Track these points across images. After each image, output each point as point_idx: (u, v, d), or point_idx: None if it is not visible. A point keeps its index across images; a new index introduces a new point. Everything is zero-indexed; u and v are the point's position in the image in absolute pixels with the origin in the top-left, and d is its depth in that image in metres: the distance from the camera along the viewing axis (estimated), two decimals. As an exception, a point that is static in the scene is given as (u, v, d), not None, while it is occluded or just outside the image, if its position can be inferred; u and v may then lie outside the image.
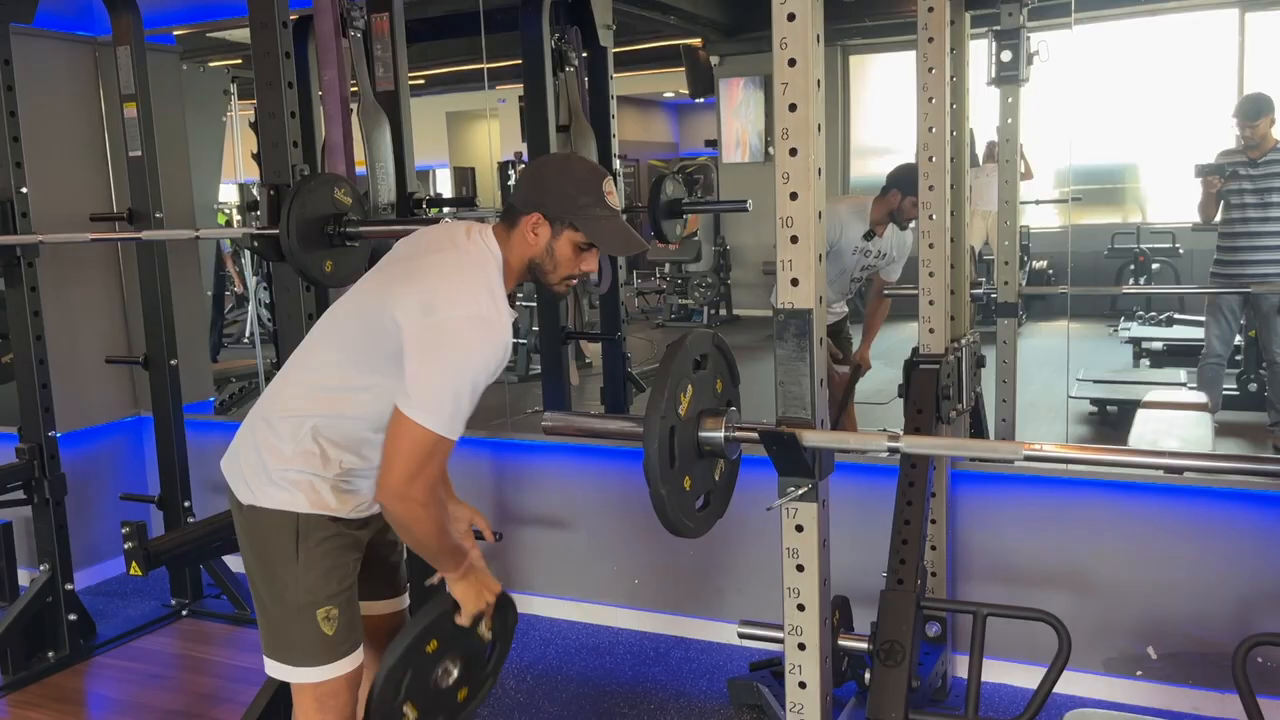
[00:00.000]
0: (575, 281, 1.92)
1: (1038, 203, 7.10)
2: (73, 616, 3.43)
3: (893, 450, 1.87)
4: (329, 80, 2.79)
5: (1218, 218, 4.53)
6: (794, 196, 1.85)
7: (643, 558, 3.44)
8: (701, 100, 9.72)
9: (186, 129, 4.31)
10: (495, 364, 1.79)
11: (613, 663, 3.22)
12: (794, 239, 1.86)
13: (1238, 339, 4.83)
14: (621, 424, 2.03)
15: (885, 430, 1.92)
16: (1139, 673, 2.85)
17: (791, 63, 1.81)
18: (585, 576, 3.54)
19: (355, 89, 2.93)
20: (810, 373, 1.89)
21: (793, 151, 1.83)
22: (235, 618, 3.70)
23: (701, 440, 1.91)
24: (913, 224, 4.06)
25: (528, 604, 3.61)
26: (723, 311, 8.35)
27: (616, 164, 3.83)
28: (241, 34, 4.37)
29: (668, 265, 8.51)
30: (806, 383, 1.90)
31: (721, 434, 1.90)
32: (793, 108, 1.82)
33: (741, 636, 2.51)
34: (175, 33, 4.34)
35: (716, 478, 2.02)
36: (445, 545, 1.91)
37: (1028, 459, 1.83)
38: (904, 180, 4.05)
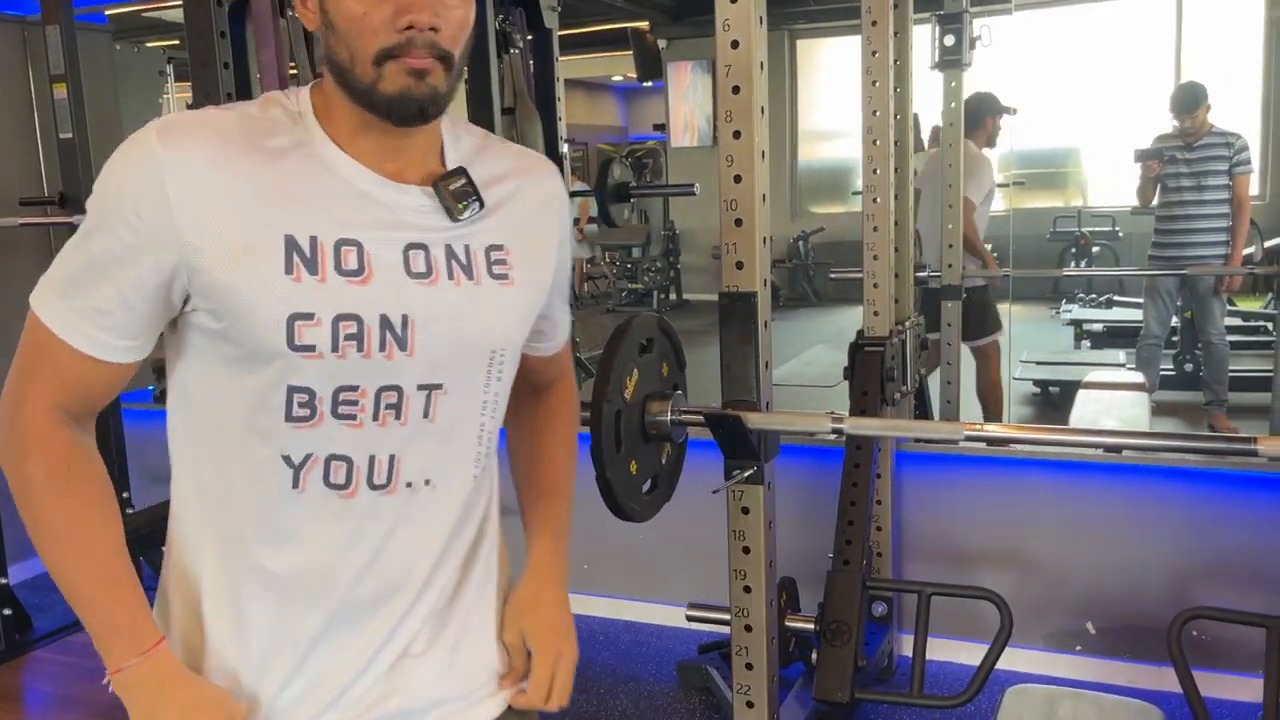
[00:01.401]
0: (404, 66, 0.96)
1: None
2: (8, 611, 3.35)
3: (837, 432, 1.88)
4: (266, 61, 2.73)
5: (1155, 201, 4.61)
6: (738, 179, 1.85)
7: (591, 542, 3.41)
8: (650, 84, 9.69)
9: (120, 111, 4.20)
10: (121, 201, 0.95)
11: (562, 648, 3.22)
12: (738, 222, 1.86)
13: (1174, 320, 4.93)
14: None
15: (831, 413, 1.93)
16: (1078, 648, 2.91)
17: (734, 45, 1.81)
18: (534, 562, 3.53)
19: (295, 70, 2.87)
20: (755, 356, 1.90)
21: (736, 134, 1.83)
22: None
23: (648, 424, 1.91)
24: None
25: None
26: (672, 296, 8.36)
27: (564, 148, 3.80)
28: (177, 13, 4.27)
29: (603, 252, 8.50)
30: (751, 365, 1.91)
31: (668, 417, 1.90)
32: (736, 90, 1.82)
33: (690, 619, 2.54)
34: (107, 12, 4.23)
35: (663, 461, 2.02)
36: (83, 570, 1.03)
37: (969, 439, 1.86)
38: (987, 104, 4.23)
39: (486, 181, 1.06)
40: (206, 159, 0.94)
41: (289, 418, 0.98)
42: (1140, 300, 5.16)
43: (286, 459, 1.00)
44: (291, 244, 0.95)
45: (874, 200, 2.72)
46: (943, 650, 2.98)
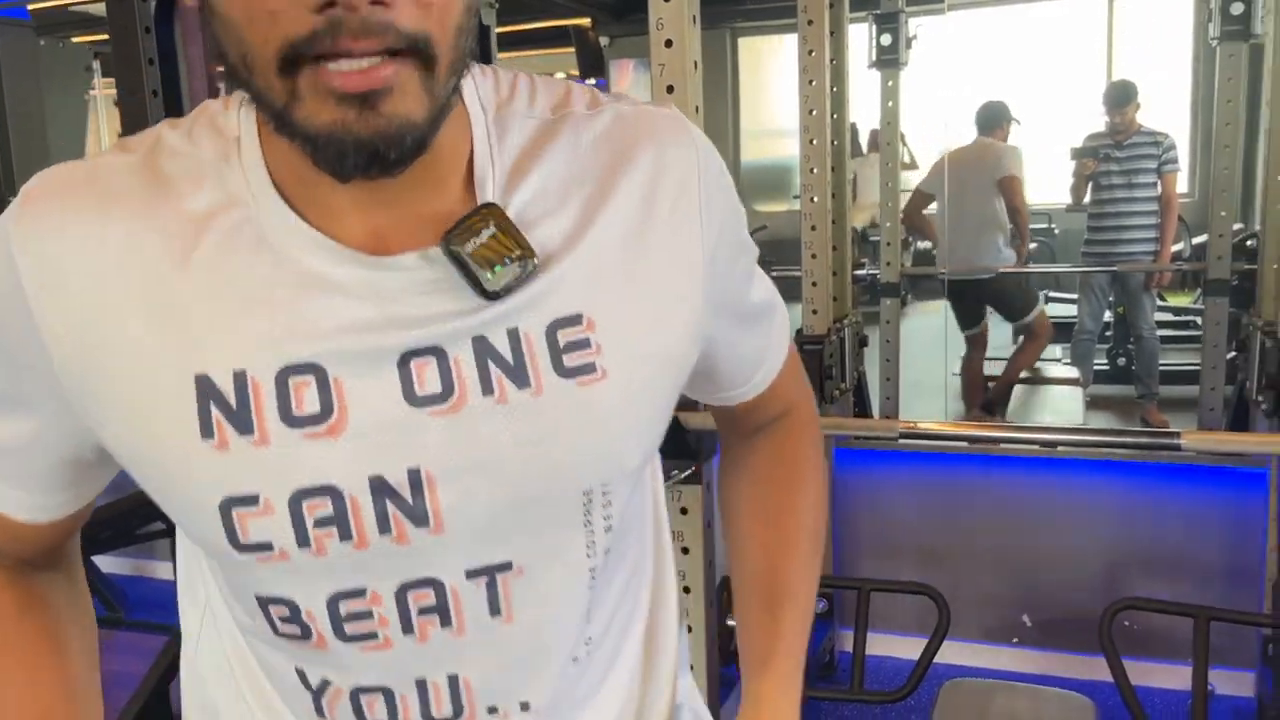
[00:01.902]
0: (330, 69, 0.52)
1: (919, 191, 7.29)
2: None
3: (773, 431, 1.88)
4: (193, 58, 2.67)
5: (1087, 199, 4.70)
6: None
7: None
8: (592, 82, 9.65)
9: (44, 108, 4.09)
10: None
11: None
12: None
13: (1108, 315, 5.02)
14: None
15: (767, 412, 1.93)
16: (1016, 640, 2.95)
17: (668, 44, 1.80)
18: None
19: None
20: (692, 355, 1.90)
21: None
22: (108, 620, 3.54)
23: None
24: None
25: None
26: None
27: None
28: (101, 8, 4.17)
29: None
30: (688, 365, 1.90)
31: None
32: (670, 89, 1.81)
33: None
34: (30, 7, 4.11)
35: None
36: None
37: (904, 436, 1.87)
38: (1001, 111, 4.60)
39: (550, 202, 0.63)
40: (80, 250, 0.59)
41: (277, 633, 0.65)
42: (1074, 296, 5.26)
43: (300, 674, 0.67)
44: (206, 389, 0.58)
45: (811, 199, 2.72)
46: (883, 645, 3.00)
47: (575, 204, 0.63)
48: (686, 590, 1.98)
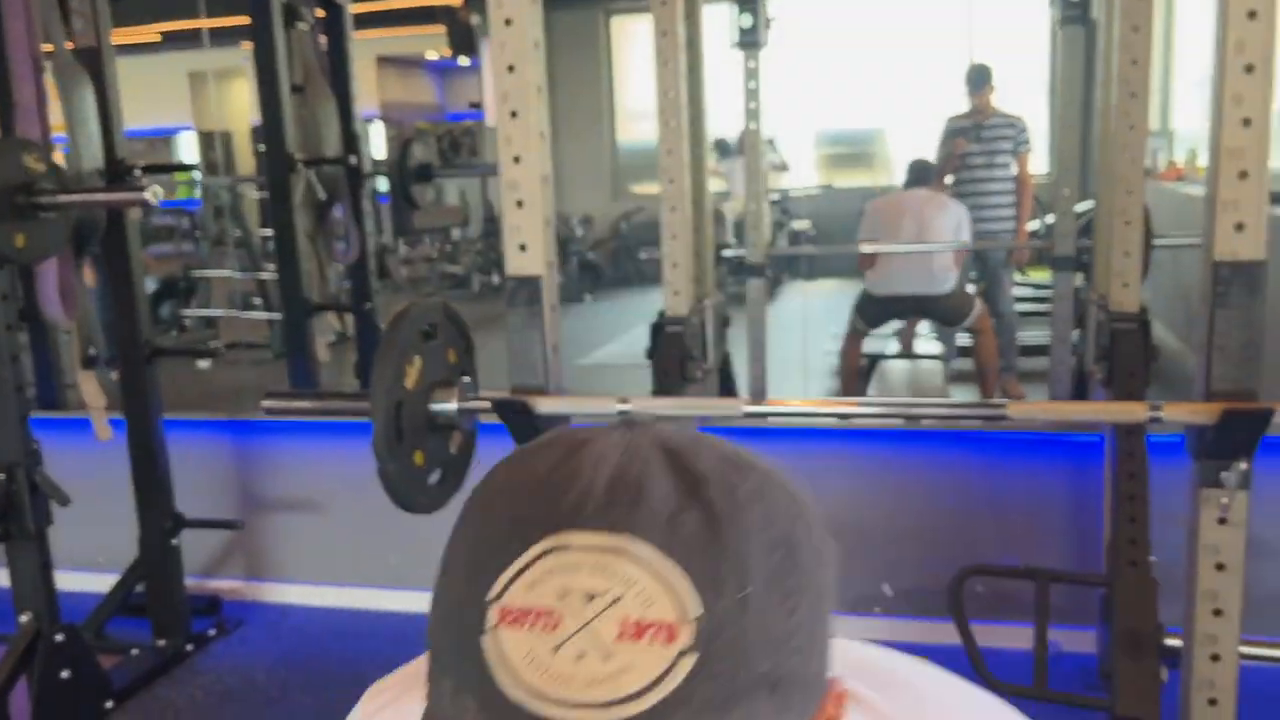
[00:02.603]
0: None
1: (795, 190, 7.42)
2: None
3: (623, 413, 1.87)
4: (15, 35, 2.51)
5: (949, 180, 4.85)
6: (517, 160, 1.81)
7: (403, 536, 3.33)
8: (466, 62, 9.51)
9: None
10: None
11: (375, 646, 3.12)
12: (519, 203, 1.82)
13: (970, 290, 5.19)
14: (345, 401, 1.94)
15: (618, 396, 1.92)
16: (877, 609, 3.02)
17: (507, 22, 1.76)
18: (343, 560, 3.41)
19: (51, 49, 2.65)
20: (542, 340, 1.87)
21: (513, 114, 1.79)
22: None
23: (433, 413, 1.85)
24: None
25: (281, 593, 3.45)
26: (494, 278, 8.26)
27: (360, 127, 3.68)
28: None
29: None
30: (539, 350, 1.88)
31: (454, 405, 1.85)
32: (511, 69, 1.78)
33: (497, 607, 2.51)
34: None
35: (453, 451, 1.96)
36: None
37: (747, 415, 1.89)
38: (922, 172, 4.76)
39: None
40: None
41: None
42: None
43: None
44: None
45: (670, 182, 2.72)
46: (751, 621, 3.03)
47: None
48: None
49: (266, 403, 1.97)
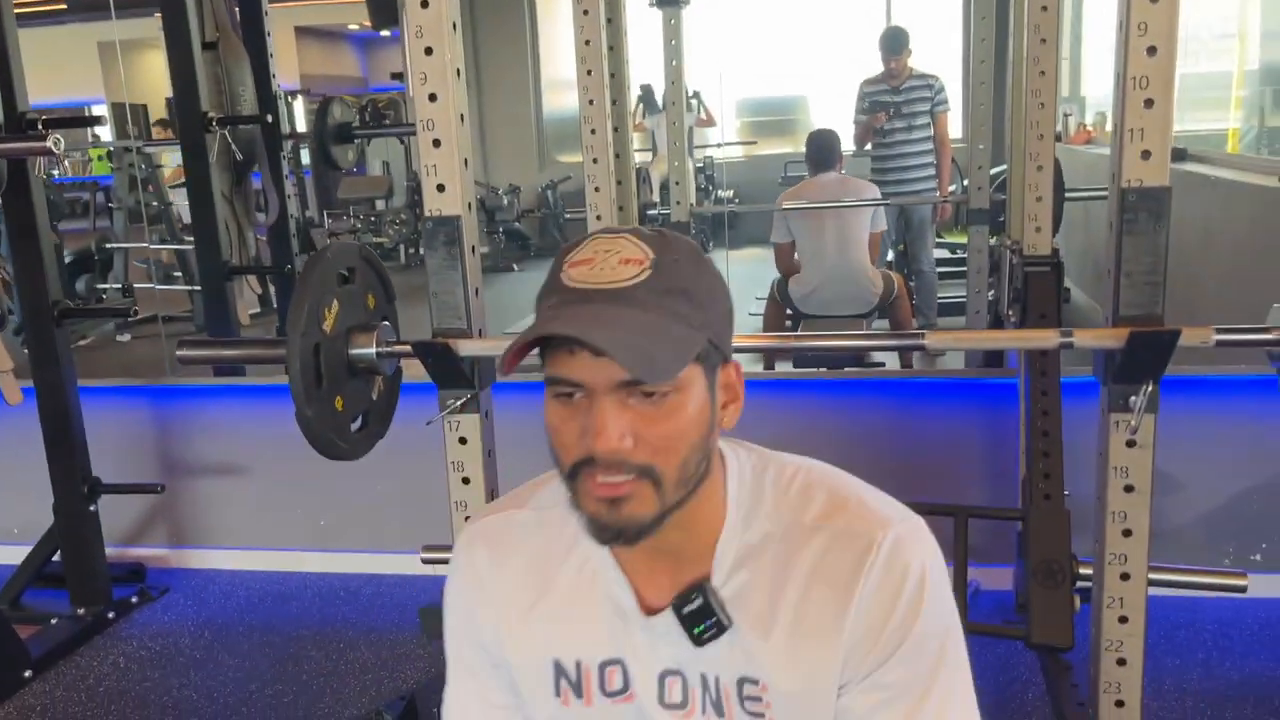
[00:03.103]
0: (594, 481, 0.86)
1: (719, 145, 7.42)
2: None
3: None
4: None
5: (867, 146, 4.92)
6: (433, 97, 1.78)
7: (327, 497, 3.31)
8: (387, 33, 9.32)
9: None
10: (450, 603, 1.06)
11: (299, 608, 3.09)
12: (436, 143, 1.80)
13: (890, 255, 5.27)
14: (260, 349, 1.91)
15: (542, 336, 1.92)
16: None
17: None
18: (266, 523, 3.36)
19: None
20: (464, 281, 1.86)
21: (428, 50, 1.77)
22: None
23: (353, 358, 1.83)
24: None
25: (204, 558, 3.39)
26: (421, 250, 8.15)
27: (277, 85, 3.59)
28: None
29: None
30: (460, 291, 1.86)
31: (373, 350, 1.83)
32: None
33: (425, 561, 2.48)
34: None
35: (375, 397, 1.95)
36: None
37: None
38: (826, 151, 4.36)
39: (758, 594, 0.92)
40: (494, 573, 1.01)
41: None
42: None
43: None
44: (559, 670, 0.99)
45: (591, 132, 2.71)
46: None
47: (776, 601, 0.92)
48: (468, 520, 1.95)
49: (181, 352, 1.93)
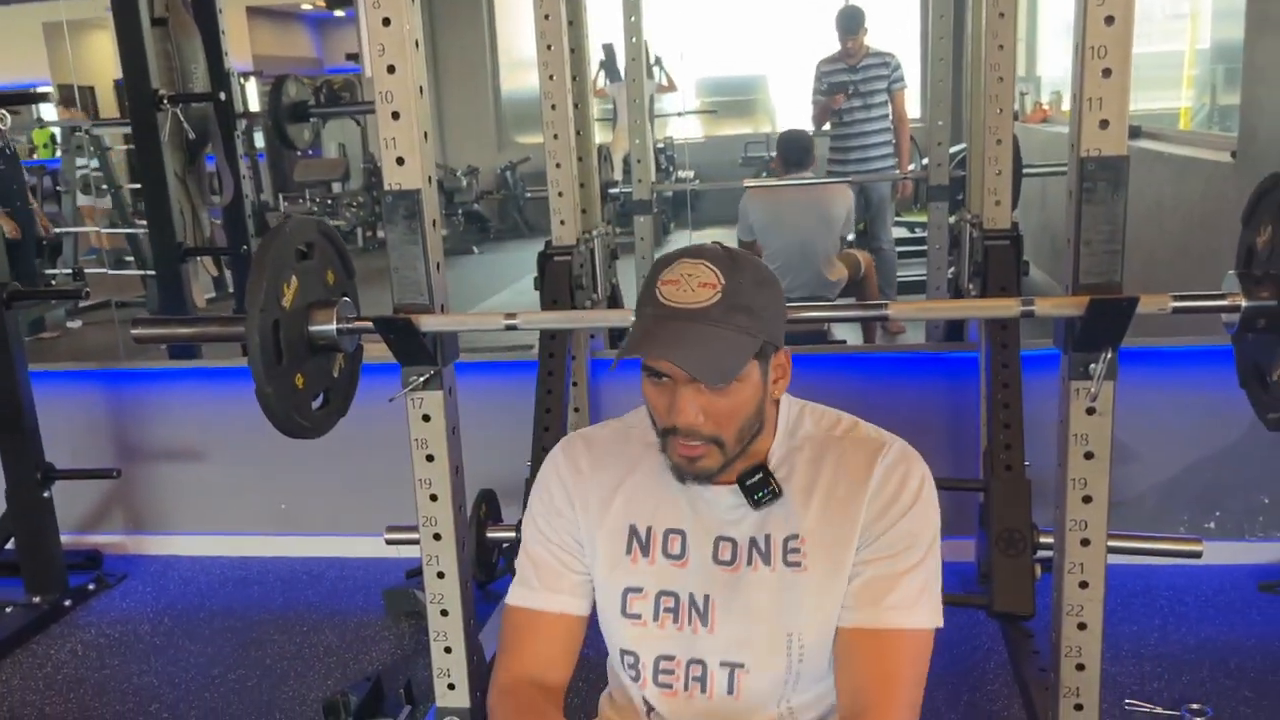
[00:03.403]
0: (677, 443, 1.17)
1: (679, 114, 7.39)
2: None
3: (510, 327, 1.86)
4: None
5: (826, 125, 4.93)
6: (391, 69, 1.76)
7: (287, 481, 3.27)
8: (341, 13, 9.22)
9: None
10: (543, 486, 1.33)
11: (261, 592, 3.06)
12: (395, 115, 1.78)
13: (851, 235, 5.30)
14: (218, 327, 1.88)
15: (504, 312, 1.90)
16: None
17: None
18: (226, 508, 3.32)
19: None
20: (425, 256, 1.84)
21: (385, 21, 1.74)
22: None
23: (312, 334, 1.81)
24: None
25: (163, 544, 3.34)
26: (379, 233, 8.07)
27: (229, 62, 3.53)
28: None
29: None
30: (421, 266, 1.84)
31: (334, 326, 1.81)
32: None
33: (389, 543, 2.47)
34: None
35: (335, 374, 1.92)
36: None
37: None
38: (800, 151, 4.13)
39: (799, 478, 1.22)
40: (584, 464, 1.30)
41: (626, 677, 1.29)
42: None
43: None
44: (633, 532, 1.26)
45: (552, 108, 2.69)
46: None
47: (814, 480, 1.22)
48: (434, 498, 1.94)
49: (136, 330, 1.89)
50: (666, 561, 1.24)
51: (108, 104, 8.98)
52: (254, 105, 8.22)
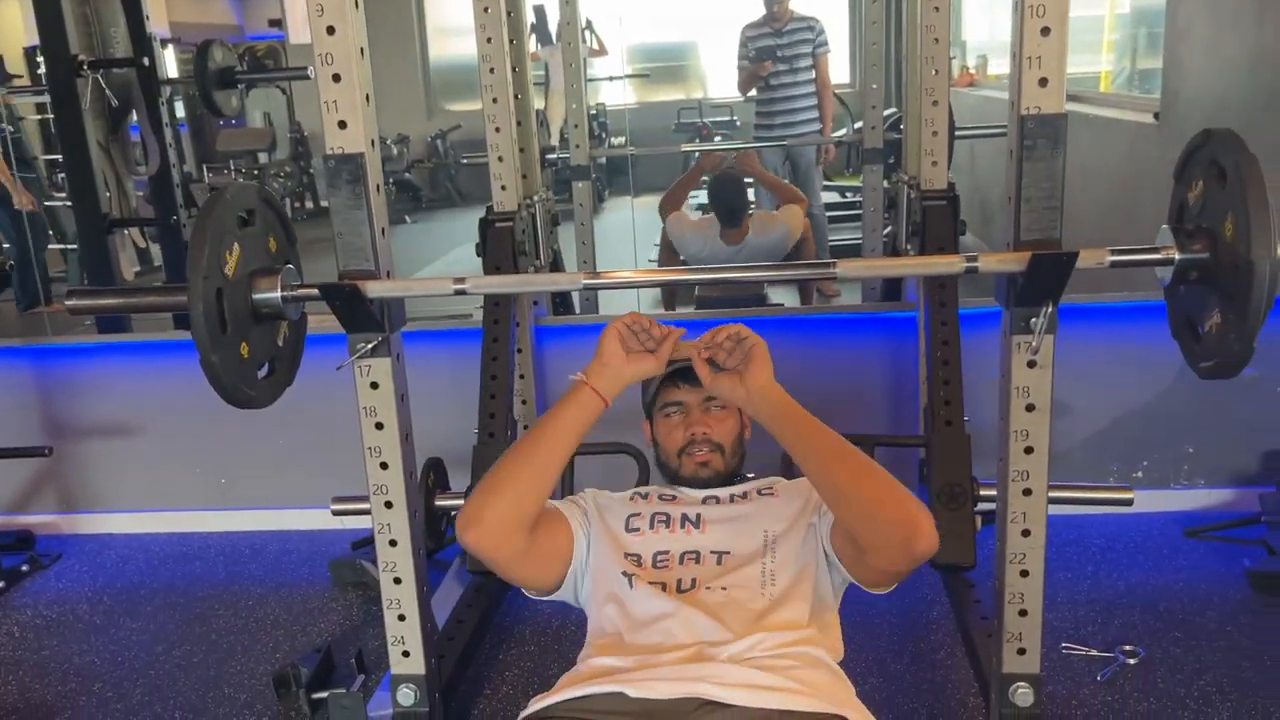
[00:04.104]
0: (694, 455, 1.76)
1: (611, 79, 7.34)
2: None
3: (459, 291, 1.84)
4: None
5: (752, 92, 4.95)
6: (331, 30, 1.72)
7: (227, 455, 3.22)
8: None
9: None
10: None
11: (203, 568, 3.01)
12: (336, 77, 1.74)
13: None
14: (158, 296, 1.83)
15: (453, 276, 1.88)
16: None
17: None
18: (164, 484, 3.25)
19: None
20: (370, 221, 1.81)
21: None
22: None
23: (256, 303, 1.77)
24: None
25: (98, 523, 3.27)
26: (308, 204, 7.91)
27: (150, 26, 3.41)
28: None
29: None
30: (366, 232, 1.81)
31: (278, 294, 1.77)
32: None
33: (335, 514, 2.45)
34: None
35: (280, 343, 1.89)
36: None
37: (586, 288, 1.89)
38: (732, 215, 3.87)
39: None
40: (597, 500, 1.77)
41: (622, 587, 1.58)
42: (751, 180, 5.52)
43: (628, 577, 1.57)
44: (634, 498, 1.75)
45: (490, 71, 2.65)
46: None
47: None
48: (384, 466, 1.93)
49: (71, 302, 1.83)
50: (662, 502, 1.70)
51: (17, 71, 8.62)
52: (173, 74, 7.98)
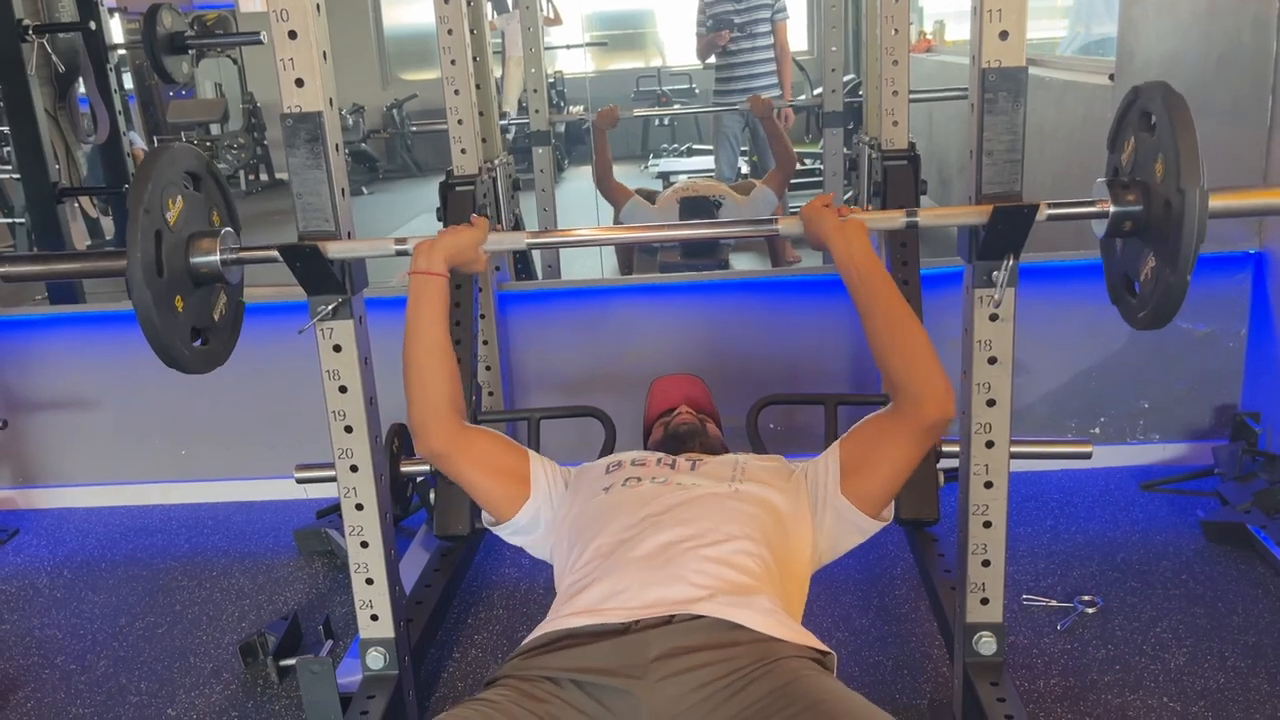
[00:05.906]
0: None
1: (568, 47, 7.29)
2: None
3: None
4: None
5: (711, 59, 4.94)
6: (287, -14, 1.69)
7: (187, 427, 3.17)
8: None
9: None
10: None
11: (165, 540, 2.98)
12: (292, 34, 1.71)
13: (742, 164, 5.34)
14: (96, 261, 1.78)
15: (411, 237, 1.85)
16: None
17: None
18: (123, 457, 3.21)
19: None
20: (329, 181, 1.78)
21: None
22: None
23: (194, 265, 1.70)
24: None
25: (55, 497, 3.22)
26: (263, 176, 7.79)
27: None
28: None
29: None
30: (326, 191, 1.79)
31: (216, 256, 1.71)
32: None
33: (300, 481, 2.42)
34: None
35: (216, 318, 1.82)
36: None
37: (530, 247, 1.90)
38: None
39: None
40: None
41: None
42: (711, 146, 5.52)
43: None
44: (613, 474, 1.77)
45: (449, 33, 2.62)
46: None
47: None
48: (349, 430, 1.91)
49: (4, 269, 1.77)
50: (639, 456, 1.79)
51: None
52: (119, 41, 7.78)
